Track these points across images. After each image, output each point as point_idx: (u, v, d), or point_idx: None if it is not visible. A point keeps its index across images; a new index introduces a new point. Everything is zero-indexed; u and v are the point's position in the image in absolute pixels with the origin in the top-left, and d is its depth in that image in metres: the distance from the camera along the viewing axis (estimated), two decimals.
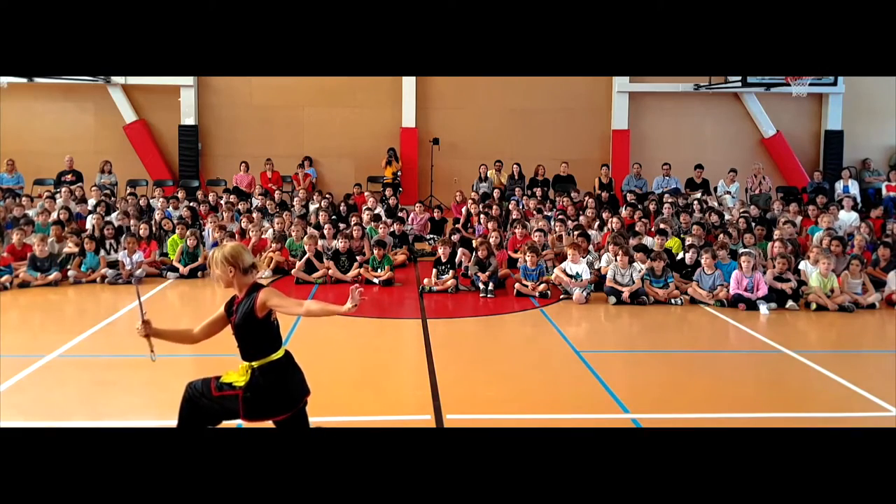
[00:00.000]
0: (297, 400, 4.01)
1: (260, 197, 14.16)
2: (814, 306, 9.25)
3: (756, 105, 16.82)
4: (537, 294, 9.65)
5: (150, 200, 13.58)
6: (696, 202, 13.64)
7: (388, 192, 14.76)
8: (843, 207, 13.02)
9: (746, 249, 10.10)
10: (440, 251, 10.50)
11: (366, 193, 14.64)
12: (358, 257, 10.90)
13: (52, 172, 15.39)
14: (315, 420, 4.30)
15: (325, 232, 11.37)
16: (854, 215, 12.79)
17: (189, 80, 16.22)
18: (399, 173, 15.95)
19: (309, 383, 4.13)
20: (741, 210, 13.03)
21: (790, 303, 9.29)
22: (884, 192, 15.10)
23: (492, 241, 10.69)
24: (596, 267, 10.17)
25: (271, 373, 3.91)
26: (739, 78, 15.60)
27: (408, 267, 11.81)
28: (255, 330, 3.90)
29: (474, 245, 10.82)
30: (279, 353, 3.96)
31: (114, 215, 12.47)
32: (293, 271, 10.64)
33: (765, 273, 9.52)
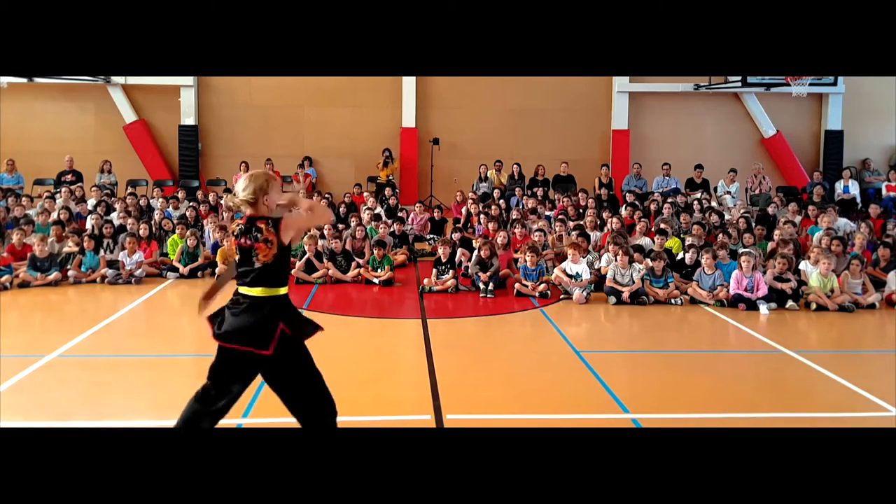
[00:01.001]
0: (263, 339, 3.89)
1: None
2: (814, 306, 9.25)
3: (756, 105, 16.81)
4: (537, 294, 9.65)
5: (150, 200, 13.58)
6: (696, 202, 13.63)
7: (388, 191, 14.75)
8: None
9: (746, 249, 10.09)
10: (440, 251, 10.50)
11: (365, 193, 14.64)
12: (359, 259, 10.89)
13: (52, 172, 15.39)
14: None
15: (325, 232, 11.38)
16: (843, 220, 12.58)
17: (189, 80, 16.21)
18: (392, 176, 15.88)
19: None
20: (742, 210, 13.00)
21: (790, 303, 9.29)
22: (884, 192, 15.08)
23: (499, 240, 10.68)
24: (596, 267, 10.17)
25: (239, 302, 3.95)
26: (739, 78, 15.60)
27: (408, 267, 11.81)
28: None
29: (475, 245, 10.82)
30: (255, 291, 3.92)
31: (114, 214, 12.47)
32: (293, 271, 10.63)
33: (765, 273, 9.52)
